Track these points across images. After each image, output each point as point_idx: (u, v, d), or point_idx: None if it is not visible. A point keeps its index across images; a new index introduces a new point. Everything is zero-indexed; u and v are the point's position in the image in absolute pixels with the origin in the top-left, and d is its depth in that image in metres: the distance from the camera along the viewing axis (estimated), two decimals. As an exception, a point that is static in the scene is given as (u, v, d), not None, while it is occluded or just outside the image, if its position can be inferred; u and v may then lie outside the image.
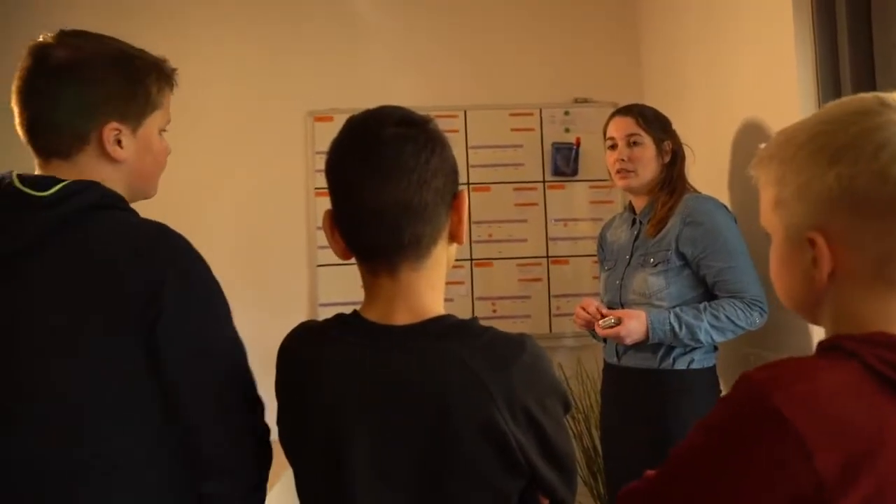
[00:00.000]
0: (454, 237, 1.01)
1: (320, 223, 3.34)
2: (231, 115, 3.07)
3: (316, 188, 3.07)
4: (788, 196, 0.79)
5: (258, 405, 1.14)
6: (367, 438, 0.93)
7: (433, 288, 1.00)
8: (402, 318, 0.97)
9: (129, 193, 1.18)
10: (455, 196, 1.00)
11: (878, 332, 0.73)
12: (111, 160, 1.14)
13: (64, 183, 1.08)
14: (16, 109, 1.13)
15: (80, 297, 1.03)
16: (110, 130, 1.13)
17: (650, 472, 0.82)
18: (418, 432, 0.92)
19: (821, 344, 0.78)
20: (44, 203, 1.05)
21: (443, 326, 0.97)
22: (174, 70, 1.23)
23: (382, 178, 0.95)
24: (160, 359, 1.04)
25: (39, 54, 1.12)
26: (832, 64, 1.79)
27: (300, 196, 3.08)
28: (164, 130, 1.23)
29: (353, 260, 1.03)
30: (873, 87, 1.67)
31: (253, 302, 3.01)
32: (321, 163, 3.57)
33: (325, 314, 3.61)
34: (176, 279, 1.05)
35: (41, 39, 1.13)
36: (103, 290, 1.03)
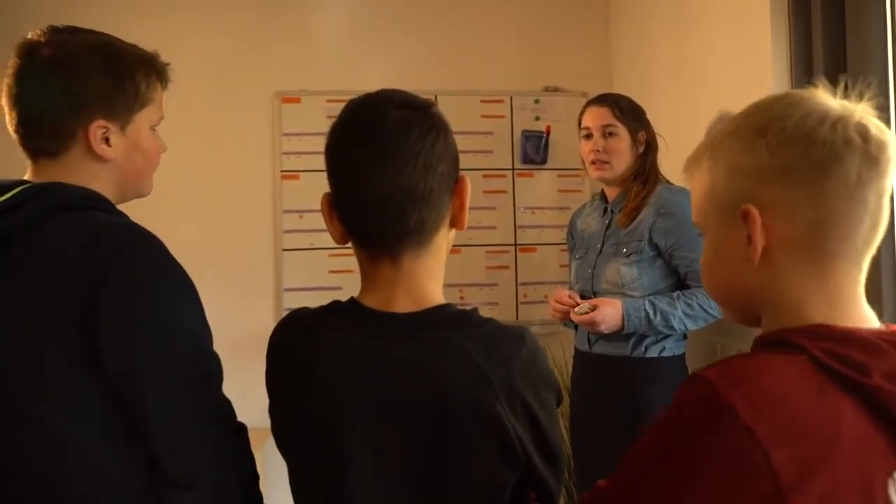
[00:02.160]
0: (455, 223, 0.99)
1: (286, 206, 3.29)
2: (195, 96, 2.97)
3: (283, 171, 3.01)
4: (720, 178, 0.81)
5: (224, 409, 1.08)
6: (365, 427, 0.91)
7: (433, 275, 0.98)
8: (402, 305, 0.95)
9: (119, 192, 1.16)
10: (457, 181, 0.98)
11: (821, 325, 0.74)
12: (98, 159, 1.11)
13: (21, 187, 1.05)
14: (6, 109, 1.11)
15: (25, 308, 1.01)
16: (97, 128, 1.10)
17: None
18: (418, 421, 0.90)
19: (761, 339, 0.79)
20: (2, 209, 1.03)
21: (444, 316, 0.95)
22: (166, 65, 1.20)
23: (387, 163, 0.92)
24: (105, 371, 1.00)
25: (27, 52, 1.09)
26: (806, 54, 1.81)
27: (266, 179, 3.03)
28: (157, 125, 1.20)
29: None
30: (845, 73, 1.69)
31: (218, 286, 2.95)
32: (288, 145, 3.51)
33: (290, 298, 3.57)
34: (112, 288, 0.99)
35: (29, 37, 1.11)
36: (47, 299, 1.01)
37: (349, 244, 0.99)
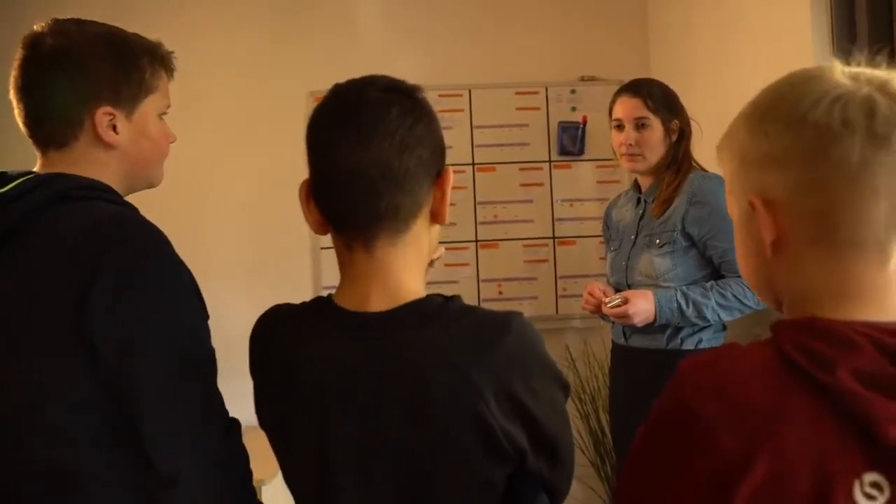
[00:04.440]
0: (436, 216, 0.96)
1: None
2: (231, 98, 3.03)
3: (319, 170, 3.03)
4: (734, 169, 0.78)
5: (214, 406, 1.07)
6: (349, 432, 0.90)
7: (411, 269, 0.94)
8: (378, 302, 0.92)
9: (127, 181, 1.17)
10: (440, 172, 0.95)
11: (809, 317, 0.71)
12: (106, 146, 1.13)
13: (24, 178, 1.06)
14: (14, 102, 1.13)
15: (26, 299, 1.03)
16: (103, 115, 1.11)
17: None
18: (400, 426, 0.89)
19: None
20: (4, 200, 1.04)
21: (420, 313, 0.91)
22: (170, 53, 1.21)
23: (361, 138, 0.90)
24: (98, 362, 1.00)
25: (31, 43, 1.12)
26: (849, 36, 1.75)
27: (302, 178, 3.03)
28: (164, 114, 1.21)
29: None
30: (892, 58, 1.63)
31: (256, 285, 3.00)
32: (324, 143, 3.40)
33: (329, 297, 3.55)
34: (106, 278, 1.00)
35: (34, 29, 1.13)
36: (45, 290, 1.02)
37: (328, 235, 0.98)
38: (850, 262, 0.72)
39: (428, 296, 0.94)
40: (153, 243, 1.05)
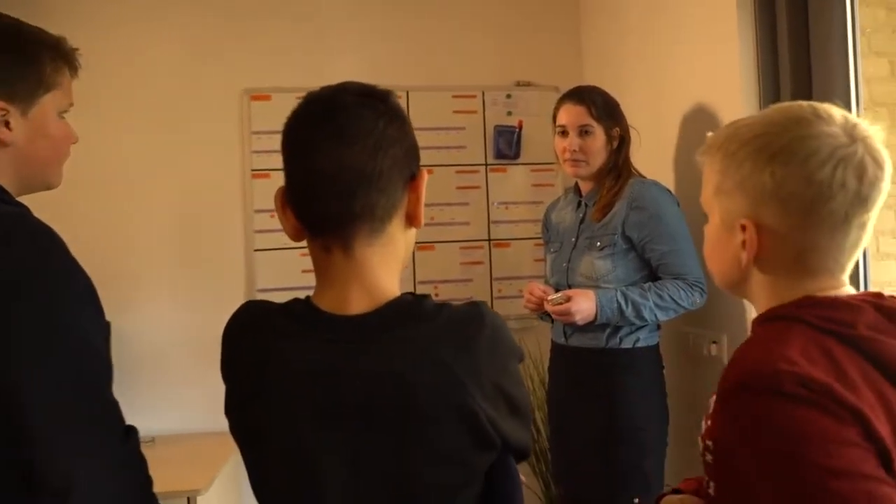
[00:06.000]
0: (411, 219, 0.98)
1: (257, 206, 3.24)
2: (162, 95, 2.93)
3: (253, 170, 2.96)
4: (729, 186, 0.91)
5: (108, 413, 1.02)
6: (332, 435, 0.90)
7: (388, 268, 0.97)
8: (357, 303, 0.94)
9: (20, 181, 1.10)
10: (414, 176, 0.98)
11: (804, 297, 0.88)
12: None
13: None
14: None
15: None
16: None
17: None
18: (386, 426, 0.90)
19: (757, 318, 0.92)
20: None
21: (398, 313, 0.93)
22: (74, 50, 1.15)
23: (337, 141, 0.92)
24: None
25: None
26: (772, 48, 1.84)
27: (236, 178, 2.98)
28: (66, 112, 1.15)
29: (293, 244, 0.99)
30: (809, 72, 1.72)
31: (188, 288, 2.92)
32: (258, 143, 3.44)
33: (263, 299, 3.51)
34: None
35: None
36: None
37: (292, 244, 0.98)
38: (819, 277, 0.90)
39: (402, 295, 0.96)
40: (45, 247, 1.00)
